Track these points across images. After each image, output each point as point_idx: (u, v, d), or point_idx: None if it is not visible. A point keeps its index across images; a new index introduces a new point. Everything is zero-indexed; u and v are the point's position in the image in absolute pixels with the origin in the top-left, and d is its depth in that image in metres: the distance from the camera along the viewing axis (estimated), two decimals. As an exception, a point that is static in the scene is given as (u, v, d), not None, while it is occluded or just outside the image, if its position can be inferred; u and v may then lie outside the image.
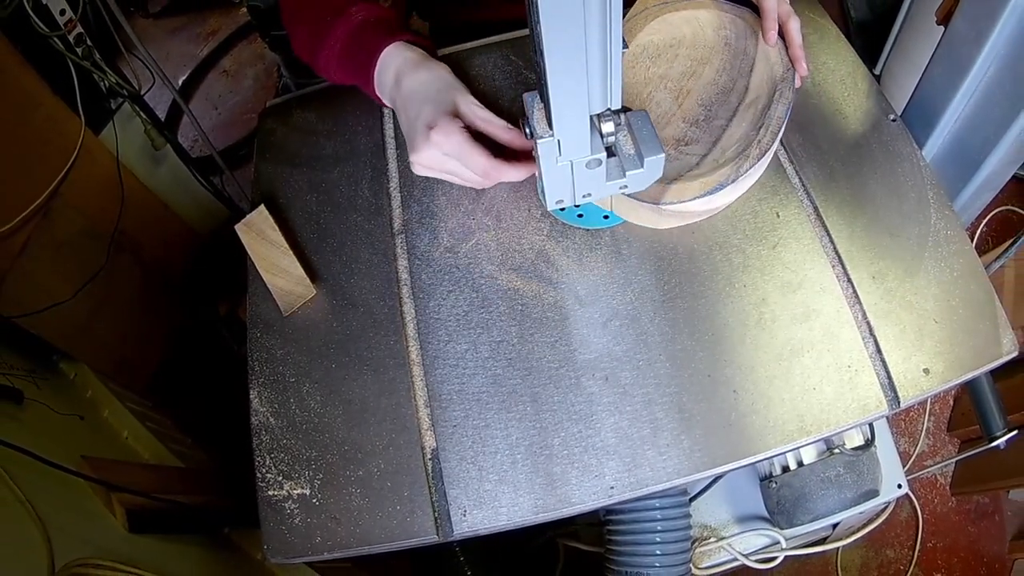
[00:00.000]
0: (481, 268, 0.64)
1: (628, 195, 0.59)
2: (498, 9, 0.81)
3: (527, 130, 0.51)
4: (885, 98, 0.70)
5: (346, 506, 0.55)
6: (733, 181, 0.59)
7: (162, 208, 1.54)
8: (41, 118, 1.19)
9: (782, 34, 0.65)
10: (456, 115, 0.58)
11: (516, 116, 0.60)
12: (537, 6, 0.38)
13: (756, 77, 0.66)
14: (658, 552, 0.73)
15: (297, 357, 0.62)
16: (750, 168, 0.60)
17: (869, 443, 0.80)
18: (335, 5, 0.65)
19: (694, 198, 0.59)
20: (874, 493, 0.80)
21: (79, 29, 1.26)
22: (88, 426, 1.16)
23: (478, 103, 0.60)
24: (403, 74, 0.61)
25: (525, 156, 0.59)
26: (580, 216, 0.65)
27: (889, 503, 0.93)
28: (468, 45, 0.78)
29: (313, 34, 0.67)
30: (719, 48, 0.69)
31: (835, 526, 0.95)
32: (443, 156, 0.57)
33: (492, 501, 0.54)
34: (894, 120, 0.68)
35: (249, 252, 0.65)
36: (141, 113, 1.47)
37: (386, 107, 0.66)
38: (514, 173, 0.59)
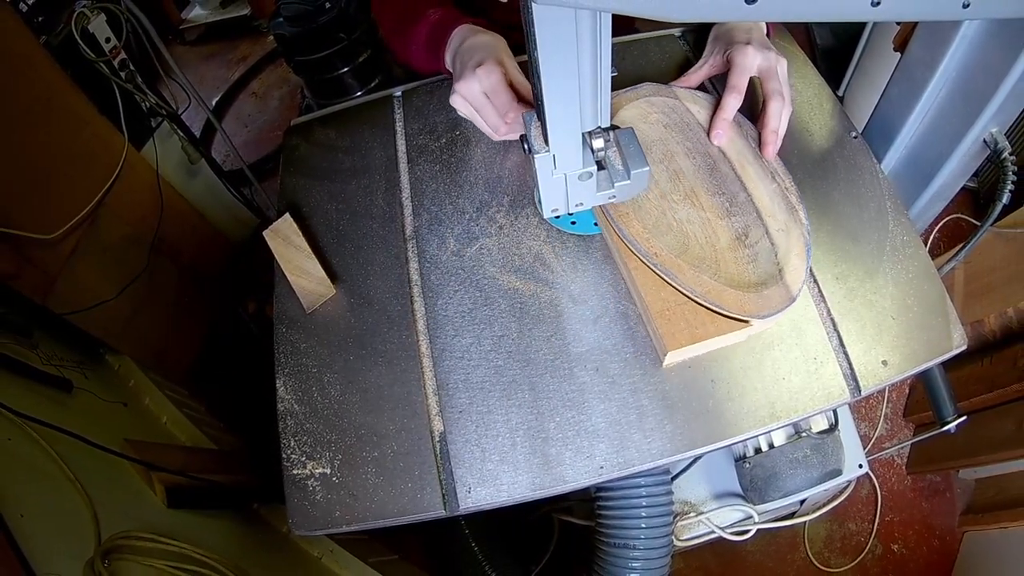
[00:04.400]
0: (484, 270, 0.64)
1: (758, 317, 0.53)
2: (504, 36, 0.81)
3: (525, 146, 0.51)
4: (847, 117, 0.70)
5: (363, 484, 0.55)
6: (810, 233, 0.57)
7: (197, 216, 1.54)
8: (88, 135, 1.19)
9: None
10: (500, 64, 0.63)
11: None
12: (535, 35, 0.38)
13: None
14: (643, 525, 0.73)
15: (319, 350, 0.62)
16: (806, 216, 0.58)
17: (833, 427, 0.80)
18: (418, 12, 0.74)
19: (807, 270, 0.56)
20: (837, 472, 0.80)
21: (123, 55, 1.27)
22: (131, 412, 1.16)
23: (519, 69, 0.65)
24: (468, 37, 0.67)
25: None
26: (573, 223, 0.65)
27: (851, 481, 0.93)
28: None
29: (405, 40, 0.76)
30: (663, 135, 0.65)
31: (802, 502, 0.95)
32: (479, 91, 0.63)
33: (494, 479, 0.54)
34: (856, 137, 0.68)
35: (275, 255, 0.65)
36: (178, 131, 1.48)
37: (449, 73, 0.70)
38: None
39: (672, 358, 0.55)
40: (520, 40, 0.79)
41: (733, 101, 0.63)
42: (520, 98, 0.63)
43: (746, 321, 0.53)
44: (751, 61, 0.63)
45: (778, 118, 0.62)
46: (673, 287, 0.55)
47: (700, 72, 0.70)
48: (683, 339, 0.53)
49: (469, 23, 0.70)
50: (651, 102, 0.67)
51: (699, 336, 0.53)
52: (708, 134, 0.64)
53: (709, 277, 0.54)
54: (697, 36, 0.78)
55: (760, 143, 0.62)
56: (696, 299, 0.54)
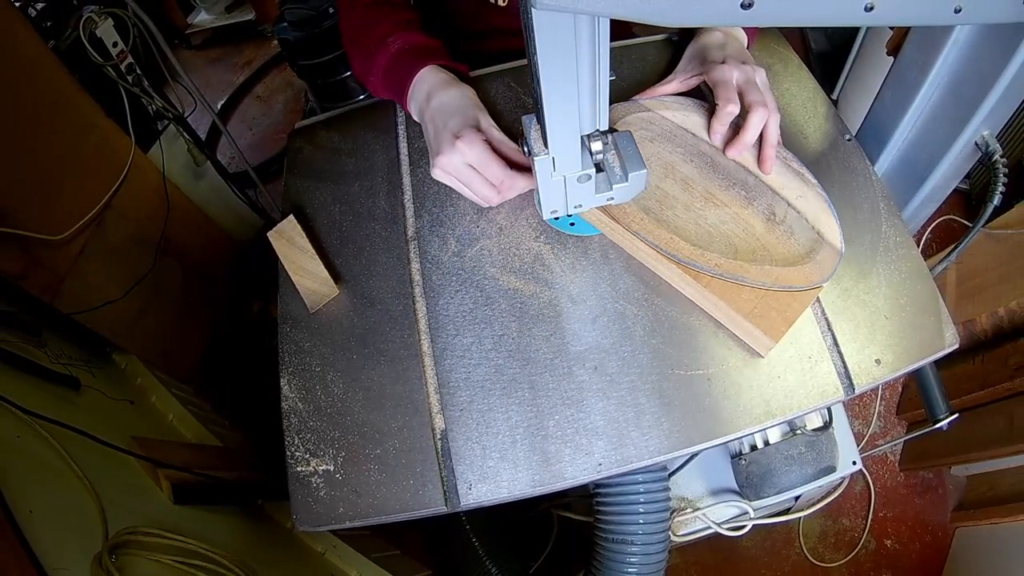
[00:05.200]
0: (485, 270, 0.64)
1: (825, 281, 0.56)
2: (504, 41, 0.81)
3: (525, 149, 0.51)
4: (841, 120, 0.70)
5: (365, 480, 0.55)
6: (823, 190, 0.60)
7: (203, 217, 1.54)
8: (96, 138, 1.19)
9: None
10: (478, 130, 0.59)
11: (516, 135, 0.61)
12: (534, 40, 0.38)
13: (704, 134, 0.64)
14: (641, 521, 0.73)
15: (322, 349, 0.62)
16: (812, 176, 0.61)
17: (827, 425, 0.80)
18: (377, 36, 0.68)
19: (838, 221, 0.58)
20: (831, 469, 0.80)
21: (129, 59, 1.27)
22: (137, 410, 1.16)
23: (495, 124, 0.61)
24: (434, 92, 0.63)
25: (531, 174, 0.59)
26: (572, 225, 0.65)
27: (845, 478, 0.93)
28: (473, 73, 0.78)
29: (363, 60, 0.71)
30: (655, 150, 0.64)
31: (797, 498, 0.95)
32: (463, 163, 0.59)
33: (494, 476, 0.54)
34: (849, 139, 0.68)
35: (280, 256, 0.65)
36: (184, 133, 1.48)
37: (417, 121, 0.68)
38: (523, 183, 0.60)
39: (777, 347, 0.57)
40: (486, 48, 0.79)
41: (730, 108, 0.61)
42: (506, 160, 0.60)
43: (818, 287, 0.56)
44: (729, 75, 0.62)
45: (756, 129, 0.60)
46: (746, 287, 0.56)
47: (667, 87, 0.69)
48: (781, 327, 0.55)
49: (432, 63, 0.65)
50: (627, 122, 0.66)
51: (791, 318, 0.55)
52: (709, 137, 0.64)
53: (770, 265, 0.57)
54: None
55: (762, 161, 0.62)
56: (769, 289, 0.56)
